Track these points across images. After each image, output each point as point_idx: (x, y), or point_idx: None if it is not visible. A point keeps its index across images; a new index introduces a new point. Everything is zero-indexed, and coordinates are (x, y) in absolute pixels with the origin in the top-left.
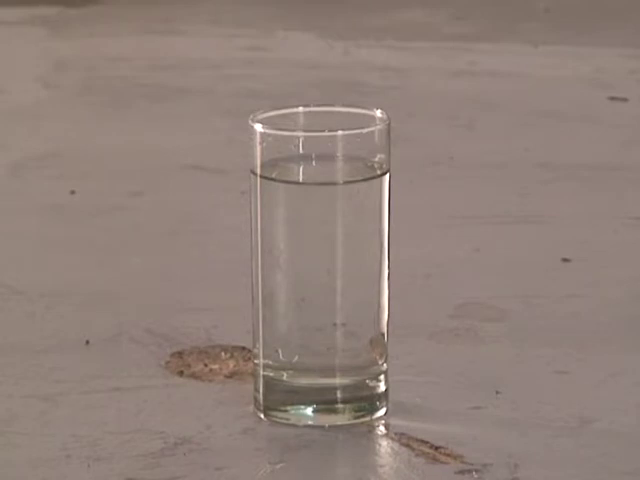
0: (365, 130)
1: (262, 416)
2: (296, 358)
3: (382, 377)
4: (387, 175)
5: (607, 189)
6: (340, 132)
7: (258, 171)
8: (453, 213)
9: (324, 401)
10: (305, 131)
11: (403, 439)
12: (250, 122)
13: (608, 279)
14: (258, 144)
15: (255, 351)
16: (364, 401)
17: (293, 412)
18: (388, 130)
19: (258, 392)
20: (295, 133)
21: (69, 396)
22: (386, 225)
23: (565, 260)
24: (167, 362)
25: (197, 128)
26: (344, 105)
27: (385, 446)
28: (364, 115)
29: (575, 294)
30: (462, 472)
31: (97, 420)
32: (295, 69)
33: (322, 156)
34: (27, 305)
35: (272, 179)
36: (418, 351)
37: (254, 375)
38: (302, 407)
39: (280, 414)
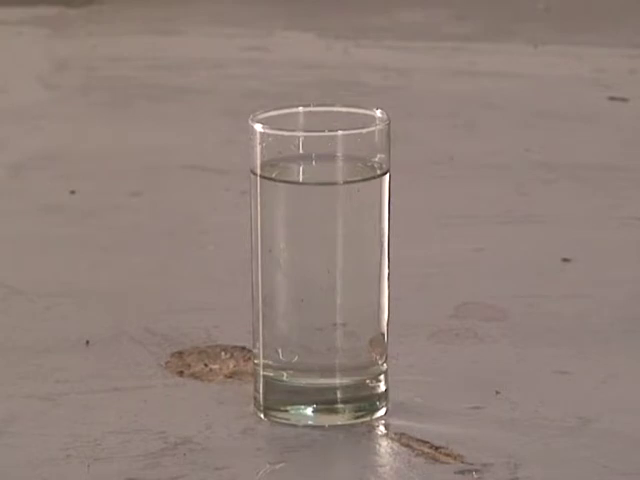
0: (365, 130)
1: (262, 416)
2: (296, 358)
3: (382, 377)
4: (387, 175)
5: (607, 189)
6: (340, 132)
7: (258, 171)
8: (453, 213)
9: (324, 401)
10: (305, 131)
11: (403, 439)
12: (250, 122)
13: (608, 279)
14: (258, 144)
15: (255, 351)
16: (364, 401)
17: (293, 412)
18: (388, 130)
19: (258, 392)
20: (295, 133)
21: (69, 396)
22: (386, 225)
23: (565, 260)
24: (167, 362)
25: (197, 128)
26: (344, 105)
27: (385, 446)
28: (364, 115)
29: (575, 294)
30: (462, 472)
31: (97, 420)
32: (295, 69)
33: (322, 156)
34: (27, 305)
35: (272, 179)
36: (418, 351)
37: (254, 375)
38: (302, 407)
39: (280, 414)
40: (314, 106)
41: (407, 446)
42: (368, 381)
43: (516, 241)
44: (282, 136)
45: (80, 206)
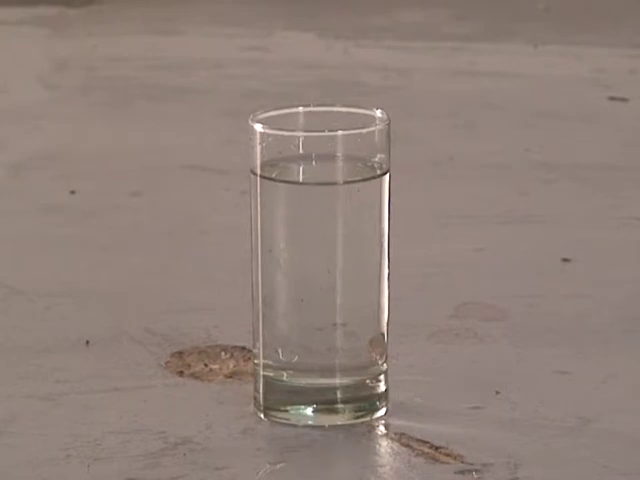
0: (365, 130)
1: (262, 416)
2: (296, 358)
3: (382, 377)
4: (387, 175)
5: (607, 189)
6: (340, 132)
7: (258, 171)
8: (453, 213)
9: (324, 401)
10: (305, 131)
11: (403, 439)
12: (250, 122)
13: (608, 279)
14: (258, 144)
15: (255, 351)
16: (364, 401)
17: (293, 412)
18: (388, 130)
19: (258, 392)
20: (295, 133)
21: (69, 396)
22: (386, 225)
23: (565, 260)
24: (167, 362)
25: (197, 128)
26: (344, 105)
27: (385, 446)
28: (364, 115)
29: (575, 294)
30: (462, 472)
31: (97, 420)
32: (295, 69)
33: (322, 156)
34: (27, 305)
35: (272, 179)
36: (418, 351)
37: (254, 375)
38: (302, 407)
39: (280, 414)
40: (314, 106)
41: (407, 446)
42: (368, 381)
43: (516, 241)
44: (282, 136)
45: (80, 206)
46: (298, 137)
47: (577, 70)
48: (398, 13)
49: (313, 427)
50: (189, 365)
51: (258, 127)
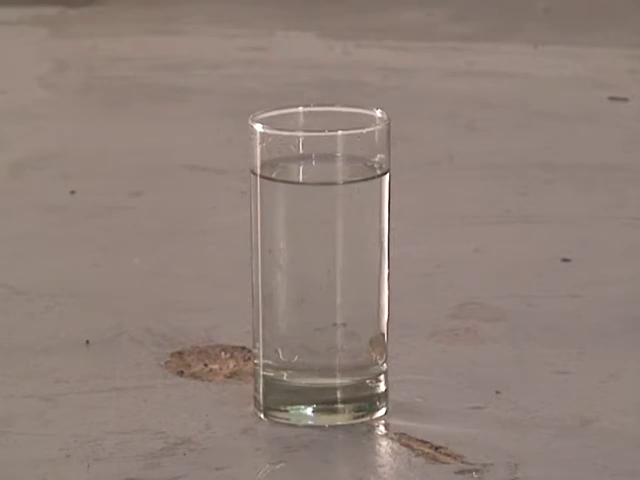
0: (365, 130)
1: (262, 416)
2: (296, 358)
3: (382, 377)
4: (387, 175)
5: (607, 189)
6: (340, 132)
7: (258, 171)
8: (453, 213)
9: (324, 401)
10: (305, 131)
11: (403, 439)
12: (250, 122)
13: (608, 279)
14: (258, 144)
15: (255, 351)
16: (364, 401)
17: (293, 412)
18: (388, 130)
19: (258, 392)
20: (295, 133)
21: (69, 396)
22: (386, 225)
23: (565, 260)
24: (167, 362)
25: (197, 128)
26: (344, 105)
27: (385, 446)
28: (364, 115)
29: (575, 294)
30: (462, 472)
31: (97, 420)
32: (295, 69)
33: (322, 156)
34: (27, 305)
35: (272, 179)
36: (418, 351)
37: (254, 375)
38: (302, 407)
39: (280, 414)
40: (314, 106)
41: (407, 446)
42: (368, 381)
43: (516, 241)
44: (282, 136)
45: (80, 206)
46: (298, 137)
47: (577, 70)
48: (398, 13)
49: (313, 427)
50: (189, 365)
51: (258, 127)
